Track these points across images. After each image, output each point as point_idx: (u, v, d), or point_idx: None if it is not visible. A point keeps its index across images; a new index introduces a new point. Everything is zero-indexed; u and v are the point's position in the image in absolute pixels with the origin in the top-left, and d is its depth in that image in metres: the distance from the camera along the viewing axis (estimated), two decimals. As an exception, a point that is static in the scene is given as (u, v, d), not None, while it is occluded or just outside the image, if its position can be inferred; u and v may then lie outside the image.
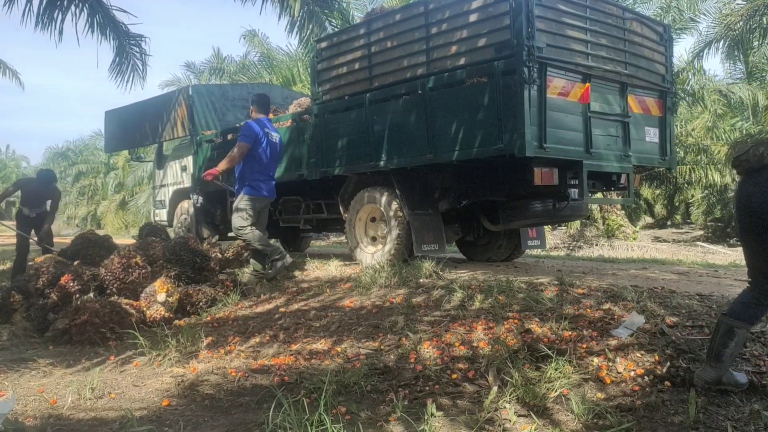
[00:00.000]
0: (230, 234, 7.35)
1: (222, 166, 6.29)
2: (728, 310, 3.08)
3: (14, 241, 8.44)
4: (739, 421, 2.72)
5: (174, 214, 9.75)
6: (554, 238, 17.25)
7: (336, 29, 9.58)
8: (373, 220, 6.84)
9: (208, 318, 5.47)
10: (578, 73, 5.55)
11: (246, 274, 6.55)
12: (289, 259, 6.40)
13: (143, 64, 9.44)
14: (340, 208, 7.19)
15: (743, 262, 3.35)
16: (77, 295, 5.51)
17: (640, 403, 2.97)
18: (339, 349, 4.01)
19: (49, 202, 8.20)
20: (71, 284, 5.60)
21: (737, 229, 3.07)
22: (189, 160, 9.16)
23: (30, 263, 7.18)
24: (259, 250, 6.29)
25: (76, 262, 6.45)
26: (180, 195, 9.59)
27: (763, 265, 2.97)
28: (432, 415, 2.87)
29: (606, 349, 3.47)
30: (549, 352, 3.43)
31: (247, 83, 13.79)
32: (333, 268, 6.48)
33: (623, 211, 18.84)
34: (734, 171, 3.05)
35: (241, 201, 6.27)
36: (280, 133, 6.73)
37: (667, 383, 3.13)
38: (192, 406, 3.33)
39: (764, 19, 12.10)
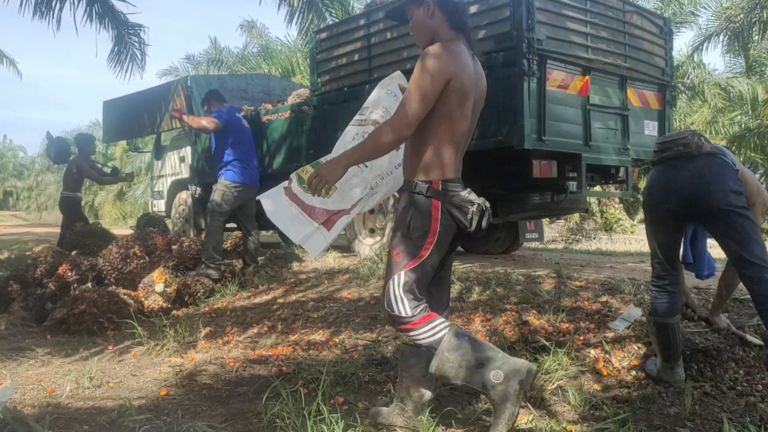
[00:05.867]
0: (229, 225, 7.31)
1: (188, 119, 6.23)
2: (651, 309, 3.11)
3: (11, 231, 8.40)
4: (735, 413, 2.73)
5: (172, 204, 9.73)
6: (552, 231, 17.27)
7: (335, 20, 9.55)
8: (372, 211, 6.83)
9: (206, 308, 5.47)
10: (578, 66, 5.55)
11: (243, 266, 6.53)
12: (216, 276, 6.00)
13: (142, 54, 9.40)
14: (339, 200, 7.16)
15: None
16: (75, 285, 5.51)
17: (636, 394, 2.98)
18: (337, 340, 4.02)
19: None
20: (69, 274, 5.59)
21: (660, 214, 2.99)
22: (187, 151, 9.14)
23: (28, 253, 7.17)
24: (208, 247, 6.03)
25: (74, 252, 6.45)
26: (178, 186, 9.57)
27: (668, 248, 3.05)
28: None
29: (603, 342, 3.48)
30: (546, 344, 3.44)
31: (245, 74, 13.73)
32: (331, 260, 6.48)
33: (621, 205, 18.87)
34: (660, 155, 2.97)
35: (220, 185, 6.11)
36: (278, 124, 6.69)
37: (664, 375, 3.15)
38: (190, 395, 3.33)
39: (765, 12, 12.06)
